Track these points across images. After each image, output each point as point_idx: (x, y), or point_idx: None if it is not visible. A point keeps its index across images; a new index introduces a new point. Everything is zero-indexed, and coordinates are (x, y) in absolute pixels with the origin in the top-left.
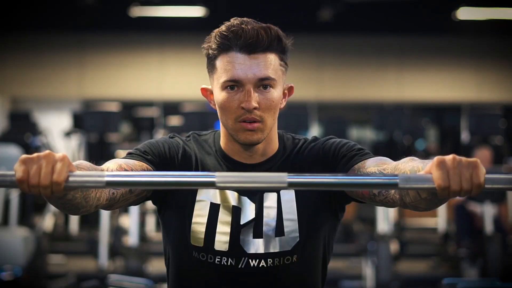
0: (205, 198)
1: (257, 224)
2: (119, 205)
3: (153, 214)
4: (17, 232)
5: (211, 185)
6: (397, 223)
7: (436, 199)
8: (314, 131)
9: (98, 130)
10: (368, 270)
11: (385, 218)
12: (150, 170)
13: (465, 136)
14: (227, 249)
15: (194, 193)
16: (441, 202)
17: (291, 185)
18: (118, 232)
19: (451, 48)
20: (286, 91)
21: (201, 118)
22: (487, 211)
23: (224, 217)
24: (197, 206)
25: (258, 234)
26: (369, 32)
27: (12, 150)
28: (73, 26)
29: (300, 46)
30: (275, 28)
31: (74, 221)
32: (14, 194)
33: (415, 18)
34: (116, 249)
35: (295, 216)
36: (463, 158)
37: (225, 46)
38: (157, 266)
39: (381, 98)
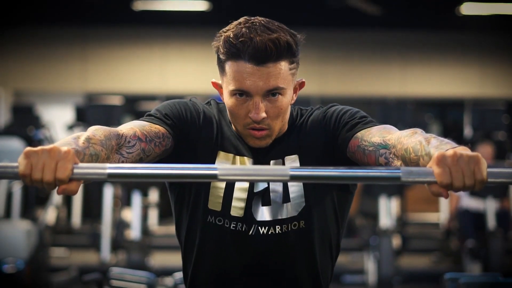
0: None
1: (266, 192)
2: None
3: (155, 208)
4: (19, 225)
5: (213, 177)
6: (400, 218)
7: None
8: None
9: (101, 123)
10: (370, 265)
11: (387, 213)
12: (166, 137)
13: (468, 131)
14: (242, 215)
15: (213, 158)
16: None
17: (293, 178)
18: (120, 225)
19: (454, 43)
20: (297, 86)
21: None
22: (489, 206)
23: (241, 184)
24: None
25: (266, 202)
26: (372, 27)
27: (15, 143)
28: (76, 19)
29: (303, 40)
30: (284, 37)
31: (76, 214)
32: (17, 187)
33: (419, 13)
34: (118, 243)
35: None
36: (464, 153)
37: (233, 54)
38: (160, 259)
39: (384, 93)
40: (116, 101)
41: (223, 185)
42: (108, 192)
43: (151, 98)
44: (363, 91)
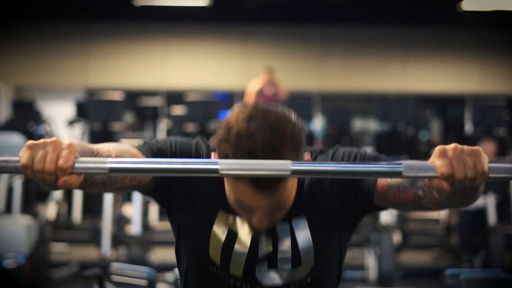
0: (223, 224)
1: (272, 256)
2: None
3: (156, 203)
4: (20, 221)
5: (214, 172)
6: (400, 214)
7: (471, 191)
8: (318, 121)
9: (101, 119)
10: (370, 261)
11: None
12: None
13: (469, 127)
14: (241, 276)
15: (212, 217)
16: (475, 195)
17: (294, 173)
18: (121, 221)
19: (455, 39)
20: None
21: (205, 107)
22: (490, 202)
23: (240, 247)
24: (215, 225)
25: (273, 265)
26: (373, 23)
27: (16, 139)
28: (77, 15)
29: (304, 37)
30: (289, 148)
31: (77, 210)
32: (17, 182)
33: (420, 9)
34: (119, 238)
35: (310, 244)
36: (465, 147)
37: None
38: (160, 255)
39: (385, 89)
40: (117, 96)
41: (223, 236)
42: None
43: (152, 93)
44: (363, 87)
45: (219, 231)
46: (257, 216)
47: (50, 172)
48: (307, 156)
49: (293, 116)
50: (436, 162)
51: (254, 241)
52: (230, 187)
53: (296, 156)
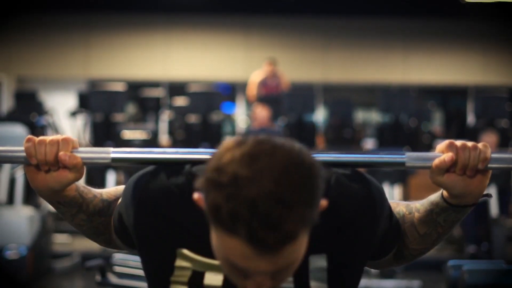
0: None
1: None
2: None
3: None
4: (22, 212)
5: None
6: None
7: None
8: (320, 113)
9: (103, 110)
10: None
11: (390, 200)
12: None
13: (471, 119)
14: None
15: (173, 255)
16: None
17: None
18: None
19: (457, 30)
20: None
21: (207, 98)
22: (492, 194)
23: (212, 284)
24: (176, 271)
25: None
26: (375, 15)
27: (18, 129)
28: (79, 6)
29: (307, 28)
30: (302, 202)
31: None
32: (20, 173)
33: (422, 0)
34: None
35: (326, 287)
36: (473, 142)
37: (224, 225)
38: None
39: (387, 81)
40: (119, 87)
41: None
42: (111, 178)
43: (154, 84)
44: (366, 79)
45: (182, 272)
46: (255, 280)
47: (52, 163)
48: (323, 203)
49: (306, 153)
50: (444, 150)
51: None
52: (218, 239)
53: (309, 212)
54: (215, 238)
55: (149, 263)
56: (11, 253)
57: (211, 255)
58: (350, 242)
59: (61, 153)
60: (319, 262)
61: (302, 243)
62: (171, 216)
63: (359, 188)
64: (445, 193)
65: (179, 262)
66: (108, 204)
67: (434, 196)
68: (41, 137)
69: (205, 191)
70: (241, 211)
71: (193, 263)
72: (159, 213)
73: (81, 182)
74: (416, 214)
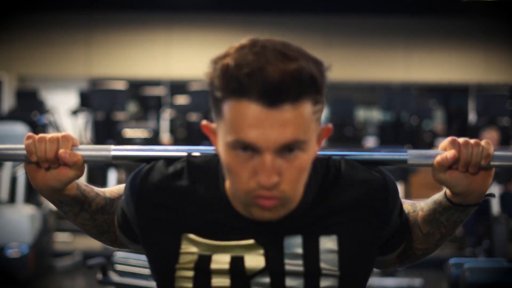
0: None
1: (275, 273)
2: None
3: None
4: (23, 210)
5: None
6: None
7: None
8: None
9: (105, 108)
10: None
11: None
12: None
13: (472, 117)
14: None
15: (177, 243)
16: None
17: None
18: None
19: (458, 29)
20: (321, 134)
21: (209, 97)
22: (494, 192)
23: (219, 267)
24: (181, 258)
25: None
26: (377, 13)
27: (19, 128)
28: (80, 4)
29: (308, 26)
30: (307, 67)
31: None
32: (21, 172)
33: None
34: None
35: (336, 270)
36: (475, 139)
37: (235, 91)
38: None
39: (388, 79)
40: (120, 86)
41: (191, 274)
42: (112, 177)
43: (156, 83)
44: (367, 77)
45: (188, 258)
46: (264, 159)
47: (52, 160)
48: (328, 128)
49: None
50: (446, 147)
51: (237, 259)
52: (229, 124)
53: (316, 72)
54: (225, 117)
55: (154, 253)
56: (13, 252)
57: (217, 237)
58: (361, 225)
59: (61, 151)
60: (329, 243)
61: (307, 118)
62: (173, 203)
63: (372, 172)
64: (448, 192)
65: (185, 248)
66: (111, 201)
67: (438, 195)
68: (41, 135)
69: (212, 81)
70: (251, 73)
71: (199, 247)
72: (160, 202)
73: (83, 181)
74: (420, 213)
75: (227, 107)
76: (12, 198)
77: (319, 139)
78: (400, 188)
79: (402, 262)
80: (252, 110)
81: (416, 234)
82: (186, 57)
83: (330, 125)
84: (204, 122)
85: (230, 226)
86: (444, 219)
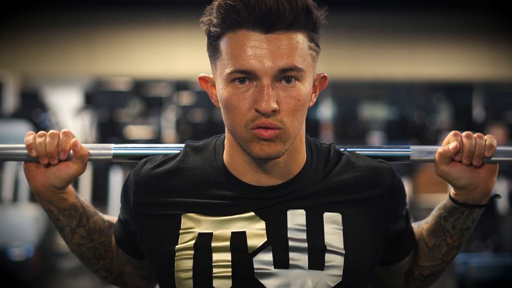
0: (192, 228)
1: (278, 248)
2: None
3: None
4: (27, 210)
5: None
6: (410, 200)
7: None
8: (326, 108)
9: (108, 107)
10: None
11: None
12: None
13: (478, 113)
14: (231, 285)
15: (177, 224)
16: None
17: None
18: None
19: (464, 25)
20: (317, 83)
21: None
22: (500, 188)
23: (220, 244)
24: (181, 238)
25: (281, 263)
26: (381, 9)
27: (22, 128)
28: (83, 3)
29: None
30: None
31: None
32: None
33: None
34: None
35: (342, 248)
36: (477, 133)
37: (232, 22)
38: None
39: (393, 76)
40: (123, 85)
41: (191, 253)
42: (115, 179)
43: (159, 81)
44: (372, 73)
45: (187, 237)
46: (262, 85)
47: (52, 155)
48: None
49: None
50: (450, 140)
51: (239, 234)
52: (227, 57)
53: (312, 6)
54: (223, 53)
55: (153, 242)
56: (17, 252)
57: (217, 213)
58: (366, 208)
59: (74, 140)
60: (334, 220)
61: (303, 49)
62: (171, 185)
63: (379, 161)
64: (452, 191)
65: (185, 228)
66: (109, 225)
67: (442, 202)
68: (41, 131)
69: (210, 22)
70: (246, 1)
71: (200, 225)
72: (158, 186)
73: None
74: (425, 225)
75: (224, 41)
76: (15, 198)
77: (315, 86)
78: (407, 185)
79: (409, 285)
80: (249, 38)
81: (422, 250)
82: (190, 55)
83: (325, 73)
84: (202, 74)
85: (230, 197)
86: (450, 226)
